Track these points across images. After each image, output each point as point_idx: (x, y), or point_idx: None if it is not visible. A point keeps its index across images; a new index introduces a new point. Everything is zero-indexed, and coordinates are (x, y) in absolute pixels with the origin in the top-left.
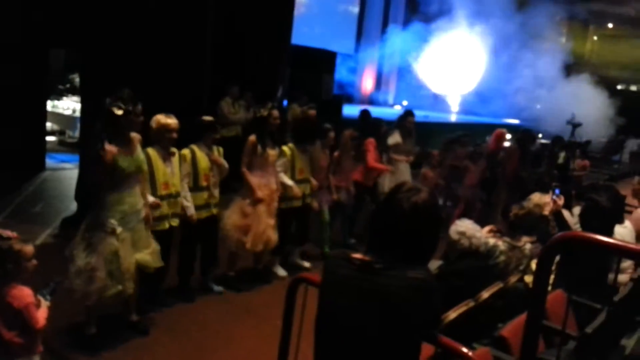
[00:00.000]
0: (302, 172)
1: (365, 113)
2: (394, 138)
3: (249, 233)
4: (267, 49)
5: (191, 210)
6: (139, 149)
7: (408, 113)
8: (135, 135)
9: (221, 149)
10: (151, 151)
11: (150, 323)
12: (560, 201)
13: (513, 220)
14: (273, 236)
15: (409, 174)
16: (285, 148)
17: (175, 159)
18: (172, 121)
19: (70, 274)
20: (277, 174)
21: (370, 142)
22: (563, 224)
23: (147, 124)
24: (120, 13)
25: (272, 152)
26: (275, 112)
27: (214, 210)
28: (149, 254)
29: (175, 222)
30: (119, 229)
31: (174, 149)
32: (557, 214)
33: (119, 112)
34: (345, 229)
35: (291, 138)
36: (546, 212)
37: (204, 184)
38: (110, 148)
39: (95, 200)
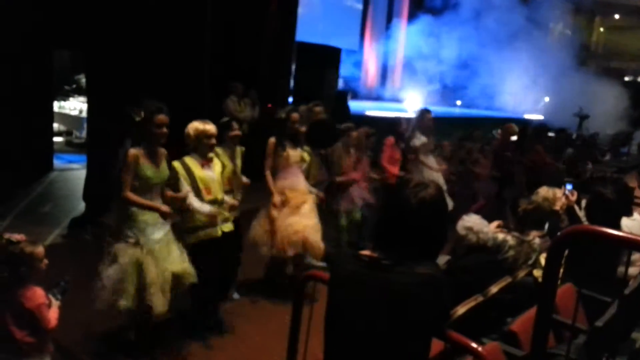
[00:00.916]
0: (314, 178)
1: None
2: (419, 139)
3: (274, 237)
4: (272, 46)
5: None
6: (164, 163)
7: (425, 111)
8: (162, 150)
9: (243, 149)
10: (189, 160)
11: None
12: (573, 197)
13: (522, 215)
14: (311, 237)
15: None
16: (304, 153)
17: (216, 164)
18: (210, 127)
19: (97, 289)
20: (302, 174)
21: (388, 141)
22: (576, 220)
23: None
24: (122, 13)
25: (293, 153)
26: (295, 116)
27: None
28: (185, 265)
29: (227, 228)
30: (142, 239)
31: (211, 154)
32: (569, 209)
33: (138, 119)
34: (362, 229)
35: (306, 142)
36: (557, 207)
37: (228, 187)
38: (134, 151)
39: (118, 212)
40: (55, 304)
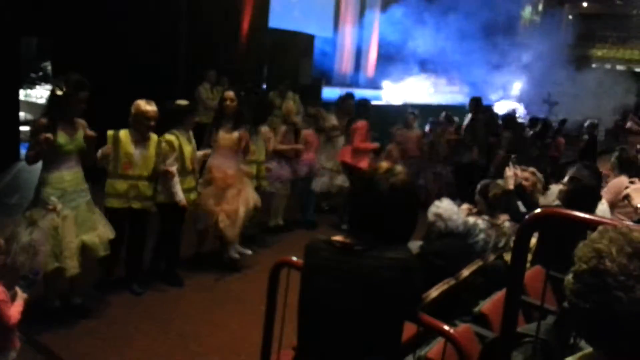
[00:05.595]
0: (253, 154)
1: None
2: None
3: (220, 213)
4: (245, 33)
5: (179, 196)
6: (81, 133)
7: (348, 96)
8: (81, 122)
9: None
10: (123, 133)
11: (131, 312)
12: (520, 173)
13: (492, 200)
14: (243, 217)
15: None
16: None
17: (151, 145)
18: (151, 108)
19: (13, 252)
20: (238, 156)
21: (362, 125)
22: (525, 197)
23: (125, 108)
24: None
25: (223, 135)
26: (229, 94)
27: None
28: (96, 237)
29: (136, 205)
30: (59, 206)
31: (154, 135)
32: (518, 186)
33: (59, 93)
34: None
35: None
36: (511, 186)
37: (190, 167)
38: (42, 120)
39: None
40: (22, 296)
